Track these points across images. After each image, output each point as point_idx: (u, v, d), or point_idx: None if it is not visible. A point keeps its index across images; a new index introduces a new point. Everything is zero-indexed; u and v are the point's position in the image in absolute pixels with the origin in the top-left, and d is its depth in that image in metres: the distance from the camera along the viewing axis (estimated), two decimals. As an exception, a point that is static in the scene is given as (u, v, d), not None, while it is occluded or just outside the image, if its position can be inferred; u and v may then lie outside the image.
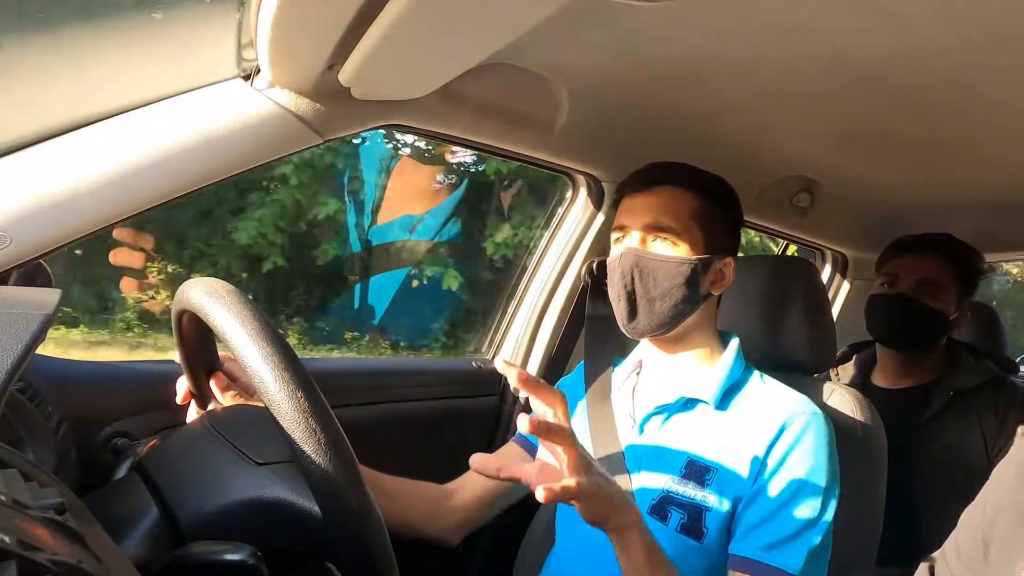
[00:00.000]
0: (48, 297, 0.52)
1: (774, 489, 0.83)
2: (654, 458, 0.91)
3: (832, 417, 0.91)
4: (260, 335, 0.53)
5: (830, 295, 2.04)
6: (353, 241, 3.59)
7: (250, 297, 0.57)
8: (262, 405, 0.54)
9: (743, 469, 0.85)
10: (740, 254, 1.00)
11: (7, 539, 0.28)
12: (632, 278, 0.91)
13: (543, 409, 0.65)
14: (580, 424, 0.99)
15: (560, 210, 1.44)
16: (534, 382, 0.63)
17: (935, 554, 0.74)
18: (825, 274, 2.08)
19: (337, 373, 1.24)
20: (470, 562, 1.35)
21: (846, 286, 2.07)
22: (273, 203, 3.21)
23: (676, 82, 1.02)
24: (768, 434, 0.85)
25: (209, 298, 0.57)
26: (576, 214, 1.41)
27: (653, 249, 0.91)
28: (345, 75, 0.86)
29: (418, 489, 1.00)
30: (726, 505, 0.85)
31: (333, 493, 0.50)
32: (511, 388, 1.43)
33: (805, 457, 0.84)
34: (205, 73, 0.86)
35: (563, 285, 1.42)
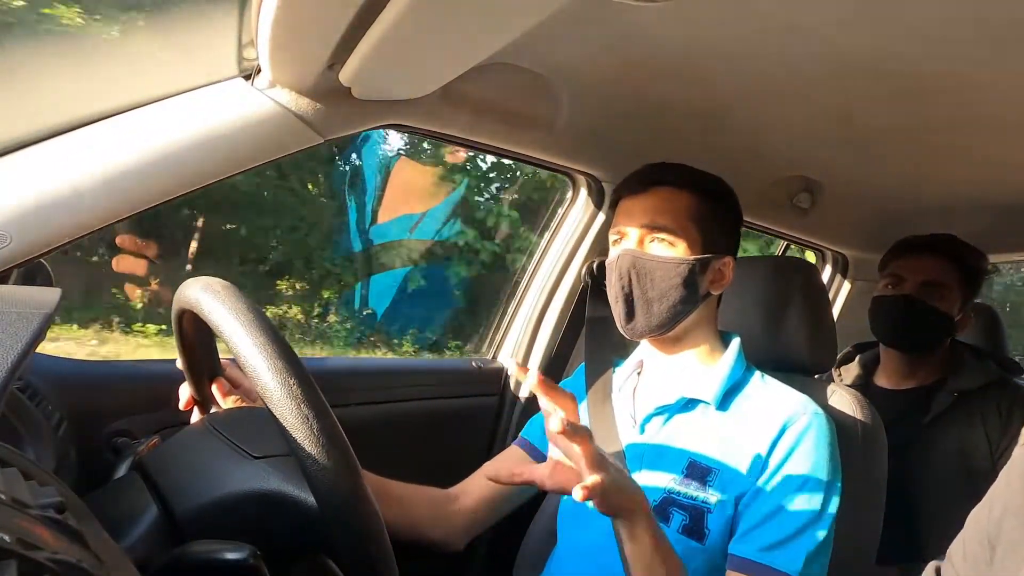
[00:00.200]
0: (48, 296, 0.52)
1: (775, 489, 0.83)
2: (655, 459, 0.91)
3: (833, 417, 0.91)
4: (254, 326, 0.53)
5: (830, 295, 2.04)
6: (481, 263, 3.87)
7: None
8: (263, 407, 0.54)
9: (745, 469, 0.85)
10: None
11: (7, 538, 0.28)
12: (630, 279, 0.91)
13: (553, 409, 0.66)
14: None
15: (560, 210, 1.44)
16: (549, 384, 0.66)
17: (941, 557, 0.74)
18: (825, 274, 2.08)
19: (337, 373, 1.24)
20: (470, 562, 1.35)
21: (846, 286, 2.07)
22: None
23: (676, 82, 1.02)
24: (770, 434, 0.85)
25: (204, 294, 0.57)
26: (576, 214, 1.41)
27: (650, 250, 0.91)
28: (345, 75, 0.86)
29: (422, 494, 1.00)
30: (728, 506, 0.84)
31: (328, 481, 0.50)
32: (511, 388, 1.43)
33: (806, 457, 0.84)
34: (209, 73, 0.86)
35: (563, 285, 1.42)
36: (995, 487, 0.69)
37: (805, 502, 0.82)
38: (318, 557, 0.61)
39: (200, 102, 0.86)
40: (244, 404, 0.81)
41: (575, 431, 0.64)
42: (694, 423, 0.91)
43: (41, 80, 0.83)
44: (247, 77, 0.89)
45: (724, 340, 0.98)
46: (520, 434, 1.09)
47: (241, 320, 0.53)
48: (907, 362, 1.39)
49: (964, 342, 1.45)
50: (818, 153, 1.31)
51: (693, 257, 0.90)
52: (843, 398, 1.02)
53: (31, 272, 0.79)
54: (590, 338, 1.09)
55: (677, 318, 0.92)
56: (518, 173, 3.95)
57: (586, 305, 1.12)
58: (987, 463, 1.25)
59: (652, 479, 0.89)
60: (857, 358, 1.53)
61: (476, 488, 1.03)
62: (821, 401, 0.96)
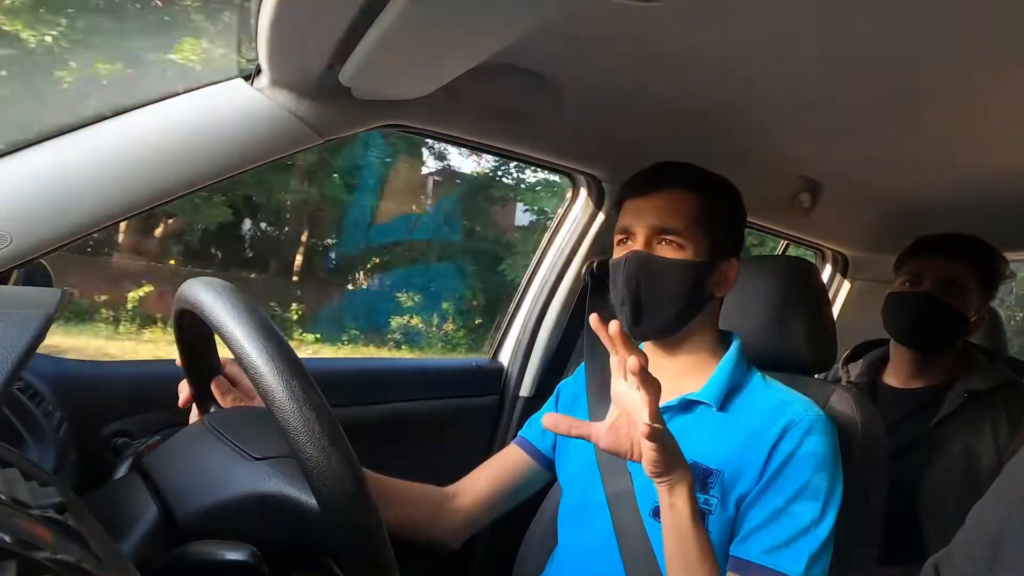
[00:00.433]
0: (49, 297, 0.52)
1: (776, 492, 0.83)
2: None
3: (833, 418, 0.91)
4: (256, 328, 0.53)
5: (830, 295, 2.04)
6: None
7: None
8: (262, 407, 0.54)
9: (745, 472, 0.85)
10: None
11: (7, 538, 0.28)
12: (637, 281, 0.90)
13: (628, 359, 0.70)
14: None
15: (560, 210, 1.44)
16: (626, 337, 0.72)
17: (940, 553, 0.73)
18: (825, 274, 2.08)
19: (337, 373, 1.24)
20: (470, 563, 1.35)
21: (846, 286, 2.07)
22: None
23: (676, 82, 1.02)
24: (771, 437, 0.85)
25: (206, 295, 0.57)
26: (576, 214, 1.41)
27: (659, 252, 0.90)
28: (345, 75, 0.86)
29: (420, 492, 1.00)
30: (729, 508, 0.84)
31: (330, 484, 0.50)
32: (511, 388, 1.43)
33: (807, 460, 0.83)
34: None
35: (563, 285, 1.42)
36: (999, 484, 0.68)
37: (806, 504, 0.81)
38: (322, 562, 0.61)
39: (200, 102, 0.86)
40: (242, 403, 0.81)
41: (647, 378, 0.69)
42: (695, 425, 0.91)
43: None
44: (247, 77, 0.89)
45: (725, 340, 0.98)
46: (520, 433, 1.09)
47: (243, 322, 0.53)
48: (918, 361, 1.38)
49: (974, 343, 1.44)
50: (818, 153, 1.31)
51: (701, 260, 0.90)
52: (844, 398, 1.02)
53: (31, 273, 0.79)
54: (591, 338, 1.09)
55: (683, 320, 0.92)
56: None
57: (586, 305, 1.12)
58: (994, 465, 1.25)
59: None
60: (864, 356, 1.52)
61: (474, 487, 1.03)
62: (821, 401, 0.96)
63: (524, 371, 1.44)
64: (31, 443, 0.73)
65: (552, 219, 1.48)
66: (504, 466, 1.06)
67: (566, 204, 1.43)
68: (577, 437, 0.77)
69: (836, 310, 2.04)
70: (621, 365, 0.73)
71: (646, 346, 1.00)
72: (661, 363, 0.97)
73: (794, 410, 0.87)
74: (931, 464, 1.27)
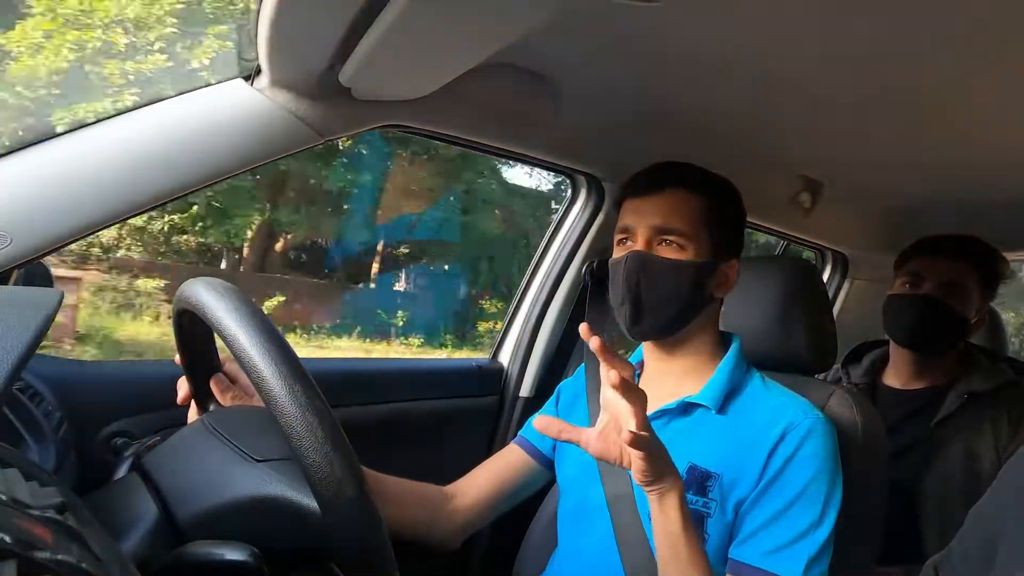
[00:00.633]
0: (48, 297, 0.52)
1: (775, 494, 0.82)
2: None
3: (833, 419, 0.90)
4: (257, 331, 0.53)
5: (830, 295, 2.04)
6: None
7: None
8: (261, 406, 0.54)
9: (745, 474, 0.84)
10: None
11: (7, 538, 0.28)
12: (638, 281, 0.90)
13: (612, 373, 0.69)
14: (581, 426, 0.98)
15: (560, 210, 1.44)
16: (608, 349, 0.71)
17: (940, 554, 0.73)
18: (825, 274, 2.08)
19: (338, 374, 1.24)
20: (470, 563, 1.35)
21: (846, 286, 2.07)
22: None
23: (676, 82, 1.02)
24: (770, 439, 0.84)
25: (207, 296, 0.57)
26: (576, 214, 1.41)
27: (659, 252, 0.90)
28: (345, 75, 0.86)
29: (420, 492, 1.00)
30: (728, 511, 0.84)
31: (332, 487, 0.50)
32: (511, 388, 1.43)
33: (807, 462, 0.83)
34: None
35: (563, 285, 1.42)
36: (997, 485, 0.69)
37: (806, 507, 0.81)
38: (323, 565, 0.61)
39: (200, 102, 0.86)
40: (241, 401, 0.81)
41: (630, 389, 0.68)
42: (694, 427, 0.91)
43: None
44: (247, 77, 0.89)
45: (725, 341, 0.98)
46: (520, 433, 1.09)
47: (244, 325, 0.53)
48: (918, 362, 1.37)
49: (975, 344, 1.44)
50: (819, 153, 1.31)
51: (703, 260, 0.90)
52: (843, 399, 1.02)
53: (31, 273, 0.79)
54: (590, 338, 1.09)
55: (683, 321, 0.92)
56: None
57: (586, 305, 1.12)
58: (993, 466, 1.24)
59: None
60: (864, 357, 1.52)
61: (474, 487, 1.03)
62: (822, 402, 0.96)
63: (524, 371, 1.44)
64: (31, 443, 0.73)
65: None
66: (504, 466, 1.06)
67: (566, 204, 1.43)
68: (567, 442, 0.77)
69: (836, 310, 2.04)
70: (608, 370, 0.72)
71: (646, 347, 1.00)
72: (661, 364, 0.97)
73: (793, 413, 0.86)
74: (931, 465, 1.27)
